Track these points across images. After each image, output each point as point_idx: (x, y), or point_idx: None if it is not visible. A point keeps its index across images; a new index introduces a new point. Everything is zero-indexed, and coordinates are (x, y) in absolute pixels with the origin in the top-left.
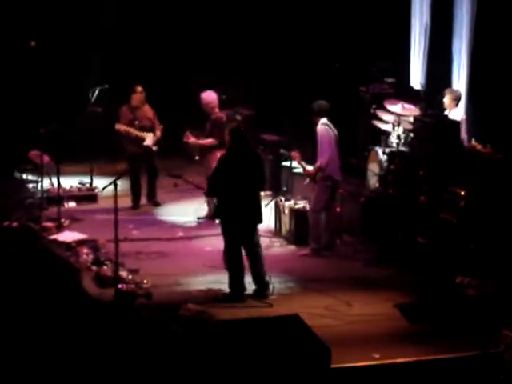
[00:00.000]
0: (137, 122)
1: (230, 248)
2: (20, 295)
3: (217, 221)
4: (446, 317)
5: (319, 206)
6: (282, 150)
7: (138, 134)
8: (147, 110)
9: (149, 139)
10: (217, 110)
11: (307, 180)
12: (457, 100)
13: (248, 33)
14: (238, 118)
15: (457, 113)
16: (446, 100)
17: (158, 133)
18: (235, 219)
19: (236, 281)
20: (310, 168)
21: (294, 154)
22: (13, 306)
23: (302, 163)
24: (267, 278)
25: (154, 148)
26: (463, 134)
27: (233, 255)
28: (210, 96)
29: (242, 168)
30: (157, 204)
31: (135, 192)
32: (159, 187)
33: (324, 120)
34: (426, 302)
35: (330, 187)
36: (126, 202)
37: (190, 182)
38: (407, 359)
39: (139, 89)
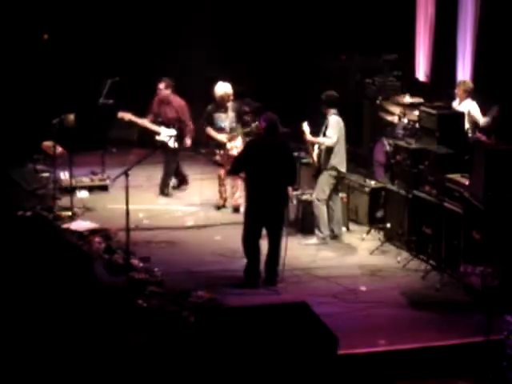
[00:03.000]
0: (159, 118)
1: (250, 233)
2: (33, 283)
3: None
4: (451, 305)
5: (323, 195)
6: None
7: (152, 127)
8: (174, 106)
9: (164, 134)
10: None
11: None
12: (468, 91)
13: (256, 25)
14: (246, 109)
15: (468, 104)
16: (458, 91)
17: (186, 132)
18: (263, 204)
19: (252, 267)
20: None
21: (304, 127)
22: (26, 294)
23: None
24: (279, 268)
25: (171, 145)
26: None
27: (252, 241)
28: (229, 86)
29: (272, 154)
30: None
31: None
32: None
33: (335, 111)
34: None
35: (334, 177)
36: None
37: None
38: (412, 346)
39: (160, 85)
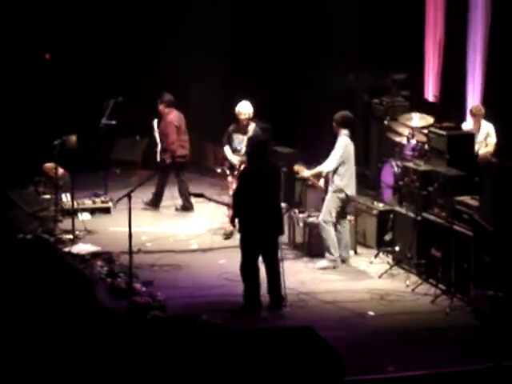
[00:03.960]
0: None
1: (247, 261)
2: (34, 306)
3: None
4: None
5: (329, 217)
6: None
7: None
8: (164, 125)
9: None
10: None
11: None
12: (483, 115)
13: (263, 43)
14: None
15: (487, 126)
16: (478, 116)
17: (167, 153)
18: (256, 232)
19: (251, 294)
20: (307, 172)
21: (297, 167)
22: (26, 318)
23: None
24: (283, 293)
25: (158, 159)
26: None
27: (249, 268)
28: (250, 107)
29: (264, 180)
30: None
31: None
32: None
33: (346, 132)
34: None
35: (341, 200)
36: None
37: (212, 200)
38: (421, 372)
39: (159, 100)
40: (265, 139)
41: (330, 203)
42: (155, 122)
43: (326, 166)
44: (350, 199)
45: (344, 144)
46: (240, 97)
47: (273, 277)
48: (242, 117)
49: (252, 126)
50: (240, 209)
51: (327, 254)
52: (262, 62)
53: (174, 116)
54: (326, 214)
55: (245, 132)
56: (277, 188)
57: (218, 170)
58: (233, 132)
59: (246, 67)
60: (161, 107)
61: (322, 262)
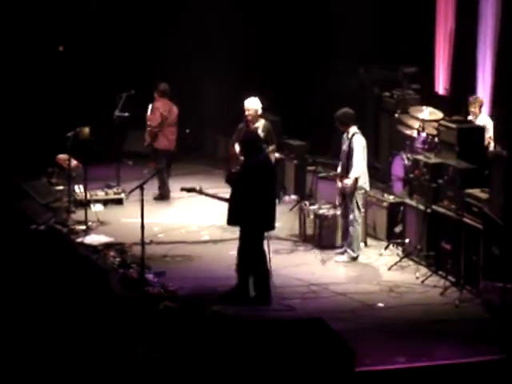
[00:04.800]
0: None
1: (258, 251)
2: (47, 296)
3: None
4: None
5: (359, 215)
6: (319, 169)
7: None
8: (154, 109)
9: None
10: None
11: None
12: (482, 106)
13: (274, 38)
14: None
15: (485, 119)
16: (474, 107)
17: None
18: (258, 224)
19: (263, 283)
20: (347, 182)
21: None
22: (41, 308)
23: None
24: (270, 286)
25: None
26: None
27: (260, 257)
28: (257, 103)
29: (261, 174)
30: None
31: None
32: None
33: (355, 129)
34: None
35: (362, 196)
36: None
37: (204, 194)
38: (431, 363)
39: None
40: (255, 136)
41: (354, 201)
42: (149, 108)
43: (357, 171)
44: (367, 193)
45: (361, 142)
46: (250, 93)
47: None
48: (248, 113)
49: (261, 123)
50: (242, 205)
51: (349, 250)
52: (274, 57)
53: (161, 104)
54: (356, 212)
55: (253, 128)
56: (272, 182)
57: (233, 170)
58: (242, 129)
59: (257, 63)
60: (155, 95)
61: (342, 257)
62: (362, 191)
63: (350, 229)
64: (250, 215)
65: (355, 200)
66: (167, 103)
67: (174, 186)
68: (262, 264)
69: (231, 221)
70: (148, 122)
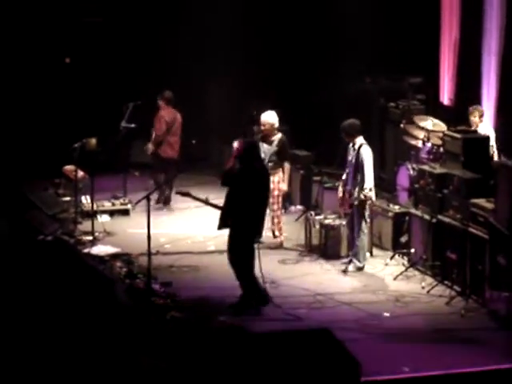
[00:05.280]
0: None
1: (248, 256)
2: (54, 308)
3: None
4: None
5: (365, 226)
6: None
7: None
8: (159, 117)
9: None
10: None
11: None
12: (482, 116)
13: (280, 50)
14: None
15: (484, 127)
16: (474, 117)
17: (152, 136)
18: (250, 231)
19: (256, 289)
20: (366, 193)
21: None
22: (47, 319)
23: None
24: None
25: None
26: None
27: (249, 262)
28: (273, 117)
29: (255, 181)
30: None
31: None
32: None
33: (362, 139)
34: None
35: (369, 206)
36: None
37: (198, 199)
38: (436, 372)
39: (158, 96)
40: (253, 143)
41: (363, 213)
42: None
43: (368, 183)
44: (373, 203)
45: (369, 152)
46: (255, 101)
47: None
48: (264, 127)
49: (277, 137)
50: (235, 210)
51: (355, 260)
52: (280, 68)
53: (166, 112)
54: (363, 223)
55: (269, 142)
56: (265, 190)
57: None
58: (259, 141)
59: (263, 73)
60: (159, 102)
61: (349, 268)
62: (369, 202)
63: (357, 239)
64: (241, 221)
65: (361, 212)
66: (172, 111)
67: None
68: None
69: (222, 225)
70: (153, 131)
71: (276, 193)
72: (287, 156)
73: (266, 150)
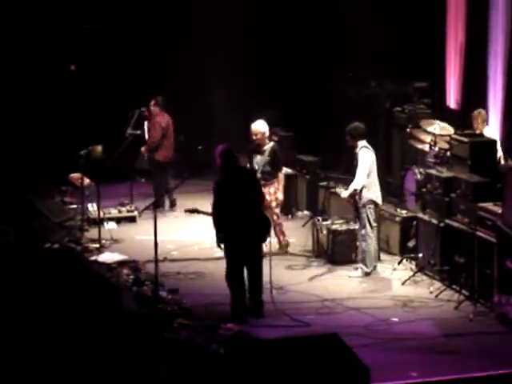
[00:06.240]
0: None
1: (232, 270)
2: (61, 316)
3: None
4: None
5: (371, 230)
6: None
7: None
8: (153, 121)
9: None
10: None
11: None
12: (485, 120)
13: (285, 54)
14: (275, 138)
15: (489, 131)
16: (476, 122)
17: (145, 146)
18: (239, 240)
19: (237, 302)
20: (344, 194)
21: (338, 190)
22: (54, 327)
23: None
24: (262, 297)
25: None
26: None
27: (235, 277)
28: (265, 125)
29: (238, 188)
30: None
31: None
32: None
33: (363, 143)
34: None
35: (373, 210)
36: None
37: (206, 214)
38: (445, 377)
39: (151, 102)
40: (226, 148)
41: (365, 216)
42: (145, 124)
43: (357, 183)
44: (379, 208)
45: (367, 156)
46: (260, 109)
47: (254, 284)
48: (255, 137)
49: (269, 145)
50: (221, 220)
51: (362, 266)
52: (285, 73)
53: (162, 118)
54: (367, 227)
55: (261, 152)
56: (254, 194)
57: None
58: (251, 153)
59: (268, 78)
60: (153, 108)
61: (356, 273)
62: (372, 205)
63: (363, 244)
64: (227, 231)
65: (366, 215)
66: (165, 116)
67: (187, 203)
68: (239, 281)
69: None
70: (148, 136)
71: (274, 204)
72: (280, 164)
73: (258, 160)
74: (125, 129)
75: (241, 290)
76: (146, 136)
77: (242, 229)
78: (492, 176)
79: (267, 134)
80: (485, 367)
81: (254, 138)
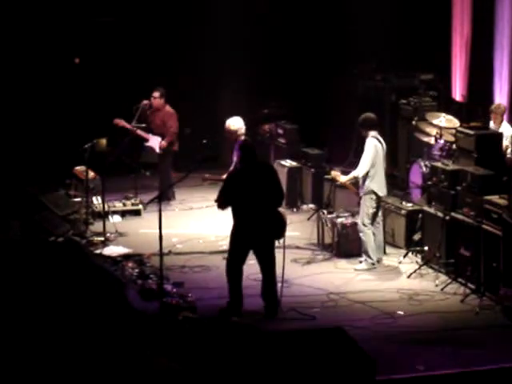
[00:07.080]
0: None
1: (233, 260)
2: (65, 309)
3: None
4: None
5: (367, 219)
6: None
7: (142, 134)
8: (164, 115)
9: (152, 141)
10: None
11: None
12: (503, 114)
13: (289, 47)
14: (280, 131)
15: (506, 126)
16: (495, 115)
17: (167, 138)
18: (246, 233)
19: (233, 294)
20: (342, 178)
21: (334, 174)
22: (59, 320)
23: (343, 181)
24: (279, 296)
25: (158, 151)
26: None
27: (234, 266)
28: (239, 122)
29: (252, 182)
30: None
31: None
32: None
33: (374, 133)
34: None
35: (374, 201)
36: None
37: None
38: (451, 371)
39: (155, 94)
40: (251, 144)
41: (365, 206)
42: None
43: (359, 171)
44: (382, 200)
45: (372, 146)
46: (266, 99)
47: (267, 281)
48: (228, 134)
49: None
50: (224, 204)
51: (366, 258)
52: (291, 65)
53: (170, 109)
54: (364, 217)
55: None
56: (270, 190)
57: (206, 176)
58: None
59: (274, 71)
60: (158, 100)
61: (362, 266)
62: (374, 196)
63: (361, 235)
64: (238, 222)
65: (364, 205)
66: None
67: (193, 197)
68: (237, 275)
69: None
70: (171, 129)
71: None
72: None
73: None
74: (130, 122)
75: (237, 280)
76: (143, 133)
77: (252, 223)
78: (498, 169)
79: (243, 130)
80: (491, 360)
81: (228, 135)
